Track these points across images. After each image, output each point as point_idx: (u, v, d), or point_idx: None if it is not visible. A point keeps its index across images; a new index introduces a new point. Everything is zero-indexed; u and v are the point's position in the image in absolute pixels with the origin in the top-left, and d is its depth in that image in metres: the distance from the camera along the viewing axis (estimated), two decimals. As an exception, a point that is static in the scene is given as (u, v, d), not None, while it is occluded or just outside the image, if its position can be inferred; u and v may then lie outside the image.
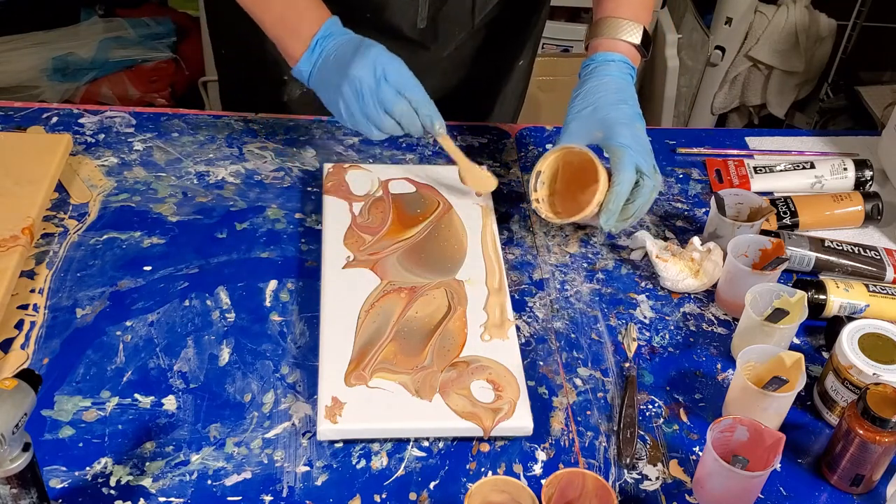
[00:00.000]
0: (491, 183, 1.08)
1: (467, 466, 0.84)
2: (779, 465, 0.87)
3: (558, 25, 2.28)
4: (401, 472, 0.83)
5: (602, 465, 0.86)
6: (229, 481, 0.81)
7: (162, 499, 0.79)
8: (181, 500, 0.79)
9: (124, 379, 0.89)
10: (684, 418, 0.91)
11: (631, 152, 0.98)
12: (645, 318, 1.01)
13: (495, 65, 1.30)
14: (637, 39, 1.05)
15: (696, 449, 0.88)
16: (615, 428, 0.89)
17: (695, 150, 1.27)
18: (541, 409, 0.89)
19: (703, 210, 1.16)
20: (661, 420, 0.90)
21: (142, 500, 0.79)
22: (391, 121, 0.99)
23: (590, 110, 1.02)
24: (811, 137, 1.32)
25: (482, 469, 0.84)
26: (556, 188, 1.05)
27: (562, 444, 0.87)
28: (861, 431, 0.81)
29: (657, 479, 0.85)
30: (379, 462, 0.84)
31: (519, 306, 1.00)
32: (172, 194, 1.10)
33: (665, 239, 1.11)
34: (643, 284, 1.05)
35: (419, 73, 1.21)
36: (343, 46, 0.99)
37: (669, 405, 0.92)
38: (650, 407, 0.91)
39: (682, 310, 1.02)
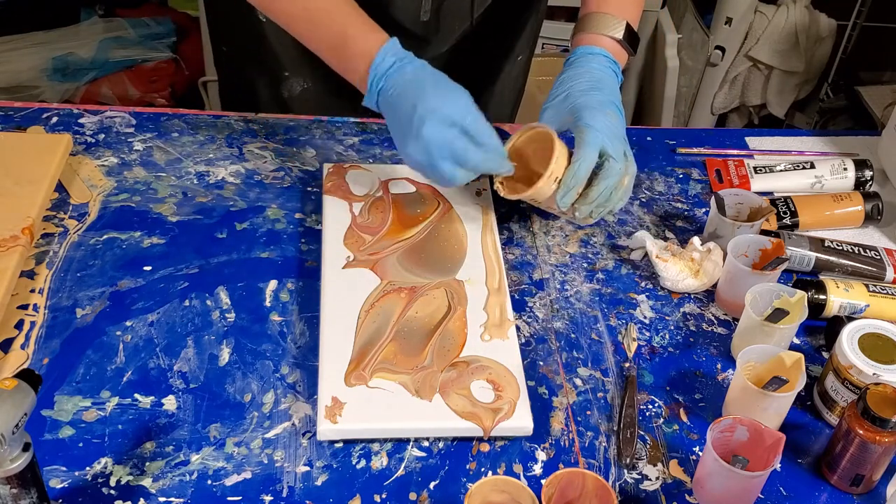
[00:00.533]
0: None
1: (467, 466, 0.84)
2: (779, 465, 0.87)
3: (558, 25, 2.28)
4: (401, 472, 0.83)
5: (602, 465, 0.86)
6: (229, 481, 0.81)
7: (162, 499, 0.79)
8: (181, 500, 0.79)
9: (124, 379, 0.89)
10: (684, 418, 0.91)
11: (595, 132, 0.95)
12: (645, 318, 1.01)
13: (494, 59, 1.30)
14: (620, 34, 1.04)
15: (696, 449, 0.88)
16: (615, 428, 0.89)
17: (695, 150, 1.27)
18: (541, 409, 0.89)
19: (703, 210, 1.16)
20: (661, 420, 0.90)
21: (142, 500, 0.79)
22: (457, 184, 0.97)
23: (562, 97, 1.01)
24: (811, 137, 1.32)
25: (482, 469, 0.84)
26: (522, 169, 1.02)
27: (562, 444, 0.87)
28: (861, 431, 0.81)
29: (657, 479, 0.85)
30: (379, 462, 0.84)
31: (519, 306, 1.00)
32: (172, 194, 1.10)
33: (665, 239, 1.11)
34: (643, 284, 1.05)
35: None
36: (397, 99, 0.95)
37: (669, 405, 0.92)
38: (650, 407, 0.91)
39: (682, 310, 1.02)
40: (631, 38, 1.06)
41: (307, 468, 0.83)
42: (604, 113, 0.97)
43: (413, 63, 0.96)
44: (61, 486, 0.79)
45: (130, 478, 0.81)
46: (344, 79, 1.23)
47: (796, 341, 1.00)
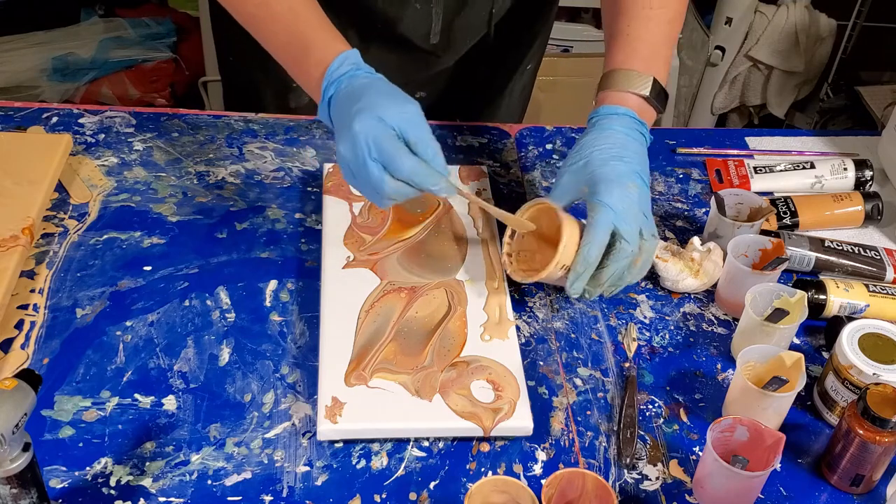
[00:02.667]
0: (529, 226, 0.95)
1: (467, 466, 0.84)
2: (779, 465, 0.87)
3: (558, 25, 2.28)
4: (401, 472, 0.83)
5: (602, 465, 0.86)
6: (229, 481, 0.81)
7: (162, 499, 0.79)
8: (181, 500, 0.79)
9: (124, 379, 0.89)
10: (684, 418, 0.91)
11: (607, 211, 0.87)
12: (645, 318, 1.01)
13: (504, 68, 1.30)
14: (647, 91, 0.95)
15: (696, 449, 0.88)
16: (615, 428, 0.89)
17: (695, 150, 1.27)
18: (541, 409, 0.90)
19: (703, 210, 1.16)
20: (662, 420, 0.90)
21: (142, 500, 0.79)
22: (387, 199, 0.87)
23: (581, 164, 0.92)
24: (811, 137, 1.32)
25: (482, 469, 0.84)
26: (531, 244, 0.97)
27: (562, 444, 0.87)
28: (861, 431, 0.81)
29: (657, 479, 0.85)
30: (379, 462, 0.84)
31: (519, 306, 1.00)
32: (172, 194, 1.10)
33: (665, 239, 1.11)
34: (643, 284, 1.05)
35: (428, 79, 1.19)
36: (342, 103, 0.88)
37: (669, 405, 0.92)
38: (650, 407, 0.91)
39: (682, 310, 1.02)
40: (659, 95, 0.97)
41: (307, 468, 0.83)
42: (623, 187, 0.89)
43: (370, 74, 0.90)
44: (61, 486, 0.79)
45: (130, 478, 0.81)
46: None
47: (796, 341, 1.00)
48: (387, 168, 0.84)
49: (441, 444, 0.86)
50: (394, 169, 0.84)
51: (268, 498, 0.80)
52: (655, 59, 0.97)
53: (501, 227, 1.10)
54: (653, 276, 1.05)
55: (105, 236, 1.03)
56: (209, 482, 0.81)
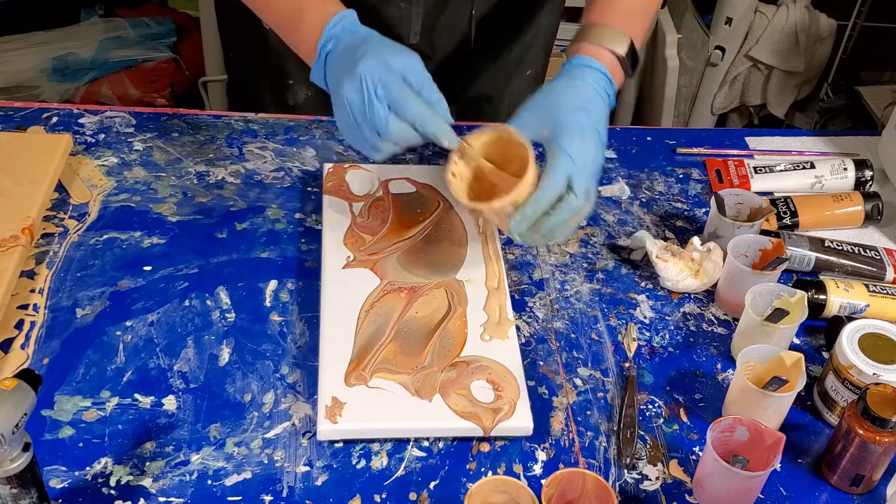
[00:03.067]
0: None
1: (467, 466, 0.84)
2: (779, 465, 0.87)
3: (560, 25, 2.27)
4: (401, 472, 0.83)
5: (602, 465, 0.86)
6: (229, 481, 0.81)
7: (162, 499, 0.79)
8: (181, 500, 0.79)
9: (124, 379, 0.89)
10: (684, 418, 0.91)
11: (569, 161, 0.86)
12: (645, 318, 1.01)
13: (499, 74, 1.29)
14: (622, 50, 0.95)
15: (696, 449, 0.88)
16: (615, 428, 0.89)
17: (695, 150, 1.27)
18: (541, 409, 0.90)
19: (704, 210, 1.16)
20: (662, 420, 0.90)
21: (142, 500, 0.79)
22: (388, 143, 0.88)
23: (547, 107, 0.91)
24: (811, 137, 1.32)
25: (482, 469, 0.84)
26: (480, 170, 0.93)
27: (562, 444, 0.87)
28: (861, 431, 0.81)
29: (657, 479, 0.85)
30: (379, 462, 0.84)
31: (519, 306, 1.00)
32: (172, 194, 1.10)
33: (665, 239, 1.11)
34: (643, 284, 1.05)
35: None
36: (341, 55, 0.89)
37: (669, 405, 0.92)
38: (650, 407, 0.91)
39: (682, 310, 1.02)
40: (632, 58, 0.98)
41: (307, 468, 0.83)
42: (584, 141, 0.88)
43: (369, 30, 0.91)
44: (61, 486, 0.79)
45: (130, 478, 0.81)
46: None
47: (796, 341, 1.00)
48: (392, 108, 0.85)
49: (441, 444, 0.86)
50: (400, 108, 0.85)
51: (268, 498, 0.80)
52: (632, 21, 0.98)
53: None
54: (653, 276, 1.05)
55: (105, 236, 1.03)
56: (209, 482, 0.81)
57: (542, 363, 0.95)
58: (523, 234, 0.88)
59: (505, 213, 0.88)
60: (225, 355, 0.92)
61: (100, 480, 0.80)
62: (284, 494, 0.80)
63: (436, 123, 0.87)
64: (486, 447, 0.86)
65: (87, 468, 0.81)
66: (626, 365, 0.95)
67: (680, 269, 1.02)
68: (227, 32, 1.28)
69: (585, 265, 1.07)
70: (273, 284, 1.00)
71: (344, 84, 0.86)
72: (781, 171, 1.21)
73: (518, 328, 0.97)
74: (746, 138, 1.31)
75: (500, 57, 1.27)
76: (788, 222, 1.13)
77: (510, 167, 0.91)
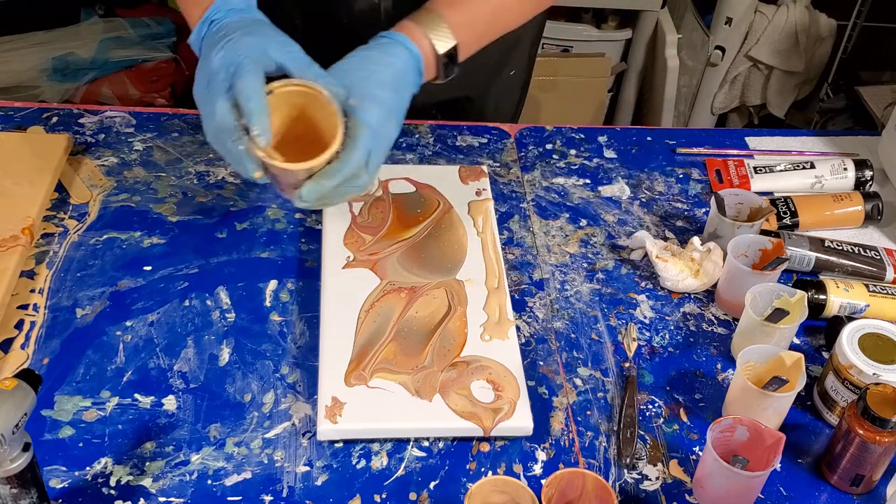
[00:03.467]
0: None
1: (467, 466, 0.84)
2: (779, 465, 0.87)
3: (558, 25, 2.28)
4: (401, 472, 0.83)
5: (602, 465, 0.86)
6: (229, 481, 0.81)
7: (162, 499, 0.79)
8: (181, 500, 0.79)
9: (124, 379, 0.89)
10: (684, 418, 0.91)
11: (371, 135, 0.82)
12: (645, 318, 1.01)
13: (481, 73, 1.27)
14: (444, 49, 0.90)
15: (696, 449, 0.88)
16: (615, 428, 0.89)
17: (695, 150, 1.27)
18: (541, 409, 0.90)
19: (704, 210, 1.16)
20: (662, 420, 0.90)
21: (142, 500, 0.79)
22: (213, 121, 0.80)
23: (361, 75, 0.85)
24: (811, 137, 1.32)
25: (482, 469, 0.84)
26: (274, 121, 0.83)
27: (562, 444, 0.87)
28: (861, 431, 0.81)
29: (657, 479, 0.85)
30: (379, 462, 0.84)
31: (519, 306, 1.00)
32: (172, 194, 1.10)
33: (665, 239, 1.11)
34: (643, 284, 1.05)
35: None
36: (229, 26, 0.84)
37: (669, 405, 0.92)
38: (650, 407, 0.91)
39: (682, 310, 1.02)
40: (448, 63, 0.92)
41: (307, 468, 0.83)
42: (389, 119, 0.85)
43: (263, 18, 0.88)
44: (61, 486, 0.79)
45: (130, 478, 0.81)
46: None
47: (796, 341, 1.00)
48: (234, 81, 0.80)
49: (441, 444, 0.86)
50: (238, 77, 0.79)
51: (268, 498, 0.80)
52: (469, 29, 0.93)
53: (501, 227, 1.10)
54: (653, 276, 1.05)
55: (105, 236, 1.03)
56: (209, 482, 0.81)
57: (542, 363, 0.95)
58: (307, 202, 0.84)
59: (295, 176, 0.82)
60: (225, 355, 0.92)
61: (100, 480, 0.80)
62: (284, 494, 0.80)
63: (259, 117, 0.79)
64: (486, 447, 0.86)
65: (87, 468, 0.81)
66: (626, 365, 0.95)
67: (680, 269, 1.02)
68: None
69: (585, 265, 1.07)
70: (273, 284, 1.00)
71: (209, 55, 0.82)
72: (781, 171, 1.21)
73: (518, 328, 0.97)
74: (746, 138, 1.31)
75: (481, 56, 1.26)
76: (788, 222, 1.13)
77: (308, 126, 0.84)
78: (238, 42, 0.82)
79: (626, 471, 0.85)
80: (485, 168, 1.15)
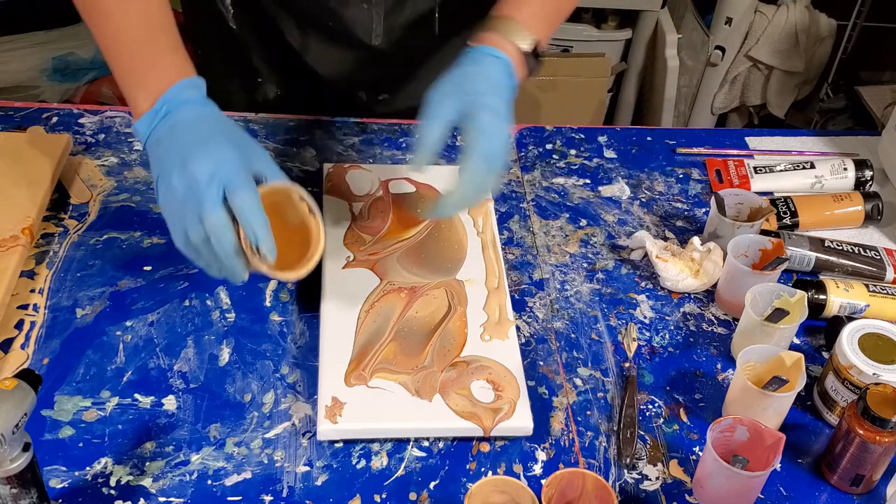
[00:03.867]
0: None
1: (467, 466, 0.84)
2: (779, 465, 0.87)
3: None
4: (401, 472, 0.83)
5: (602, 465, 0.86)
6: (229, 481, 0.81)
7: (162, 499, 0.79)
8: (181, 500, 0.79)
9: (124, 379, 0.89)
10: (684, 418, 0.91)
11: (488, 140, 0.86)
12: (645, 318, 1.01)
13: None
14: (527, 46, 0.93)
15: (697, 449, 0.88)
16: (615, 428, 0.89)
17: (695, 150, 1.27)
18: (541, 409, 0.90)
19: (704, 210, 1.16)
20: (662, 420, 0.90)
21: (142, 500, 0.79)
22: (201, 231, 0.79)
23: (460, 91, 0.88)
24: (811, 137, 1.32)
25: (482, 469, 0.84)
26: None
27: (562, 444, 0.87)
28: (861, 431, 0.81)
29: (657, 479, 0.85)
30: (379, 462, 0.84)
31: (519, 306, 1.00)
32: (172, 194, 1.10)
33: (665, 239, 1.11)
34: (643, 284, 1.05)
35: (388, 84, 1.18)
36: (187, 124, 0.82)
37: (669, 405, 0.92)
38: (650, 407, 0.91)
39: (682, 310, 1.02)
40: (535, 56, 0.95)
41: (307, 468, 0.83)
42: (500, 122, 0.88)
43: (217, 112, 0.85)
44: (61, 486, 0.79)
45: (130, 478, 0.81)
46: (315, 88, 1.22)
47: (796, 341, 1.00)
48: (227, 188, 0.79)
49: (441, 444, 0.86)
50: (233, 189, 0.79)
51: (268, 498, 0.80)
52: (540, 22, 0.96)
53: (501, 227, 1.10)
54: (653, 276, 1.05)
55: (105, 236, 1.03)
56: (209, 482, 0.81)
57: (542, 363, 0.95)
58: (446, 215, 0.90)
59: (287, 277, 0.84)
60: (225, 355, 0.92)
61: (100, 480, 0.80)
62: (284, 494, 0.80)
63: (265, 231, 0.79)
64: (486, 447, 0.86)
65: (87, 468, 0.81)
66: (626, 365, 0.95)
67: (680, 269, 1.02)
68: (193, 30, 1.27)
69: (585, 265, 1.07)
70: (273, 284, 1.00)
71: (189, 163, 0.79)
72: (781, 171, 1.21)
73: (518, 328, 0.97)
74: (746, 138, 1.31)
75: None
76: (788, 222, 1.13)
77: (282, 223, 0.84)
78: (223, 151, 0.80)
79: (626, 471, 0.85)
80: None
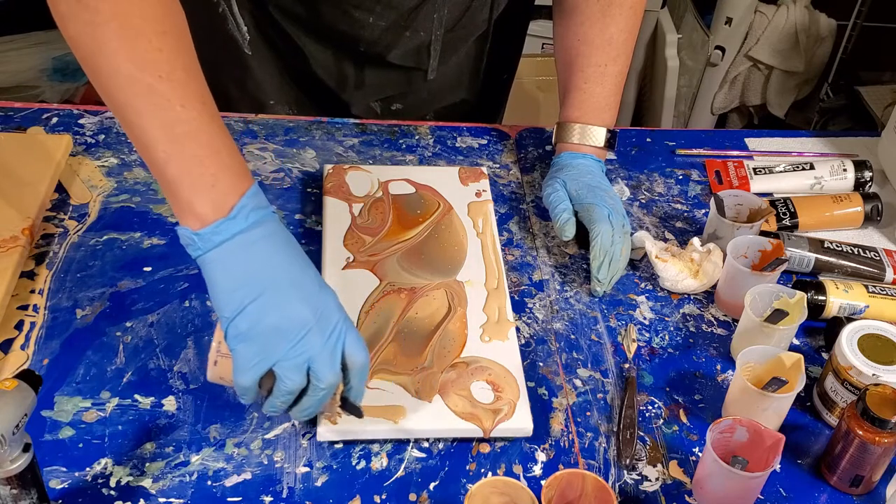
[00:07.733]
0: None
1: (467, 467, 0.84)
2: (778, 466, 0.87)
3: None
4: (401, 472, 0.83)
5: (602, 465, 0.86)
6: (229, 482, 0.81)
7: (162, 499, 0.79)
8: (181, 500, 0.79)
9: (124, 379, 0.89)
10: (684, 419, 0.91)
11: (607, 224, 1.01)
12: (645, 318, 1.01)
13: (484, 79, 1.29)
14: (601, 142, 1.10)
15: (696, 450, 0.88)
16: (615, 429, 0.89)
17: (694, 151, 1.27)
18: (541, 410, 0.90)
19: (703, 211, 1.17)
20: (661, 421, 0.90)
21: (142, 500, 0.79)
22: (301, 381, 0.75)
23: (581, 196, 1.04)
24: (811, 138, 1.32)
25: (482, 470, 0.84)
26: None
27: (562, 444, 0.87)
28: (860, 432, 0.81)
29: (657, 479, 0.85)
30: (379, 463, 0.84)
31: (519, 307, 1.00)
32: (172, 195, 1.10)
33: (665, 240, 1.11)
34: (643, 285, 1.05)
35: (403, 97, 1.21)
36: (276, 246, 0.79)
37: (669, 406, 0.92)
38: (650, 408, 0.91)
39: (681, 311, 1.02)
40: (611, 140, 1.11)
41: (307, 469, 0.83)
42: (611, 196, 1.05)
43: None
44: (61, 486, 0.79)
45: (130, 478, 0.81)
46: (330, 105, 1.23)
47: (796, 342, 1.00)
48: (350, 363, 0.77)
49: (441, 445, 0.86)
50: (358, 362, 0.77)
51: (268, 499, 0.80)
52: (609, 111, 1.11)
53: (501, 228, 1.10)
54: (652, 276, 1.05)
55: (105, 237, 1.03)
56: (209, 483, 0.81)
57: (541, 364, 0.95)
58: (605, 288, 1.03)
59: None
60: (225, 356, 0.92)
61: (100, 481, 0.80)
62: (284, 495, 0.81)
63: (366, 367, 0.78)
64: (485, 448, 0.86)
65: (87, 469, 0.81)
66: (626, 366, 0.95)
67: (679, 270, 1.03)
68: (201, 52, 1.25)
69: (585, 266, 1.07)
70: (273, 285, 1.00)
71: (294, 301, 0.75)
72: (781, 172, 1.21)
73: (518, 329, 0.97)
74: (746, 139, 1.31)
75: (487, 67, 1.28)
76: (788, 223, 1.13)
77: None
78: (327, 295, 0.77)
79: (625, 472, 0.85)
80: (484, 169, 1.15)
